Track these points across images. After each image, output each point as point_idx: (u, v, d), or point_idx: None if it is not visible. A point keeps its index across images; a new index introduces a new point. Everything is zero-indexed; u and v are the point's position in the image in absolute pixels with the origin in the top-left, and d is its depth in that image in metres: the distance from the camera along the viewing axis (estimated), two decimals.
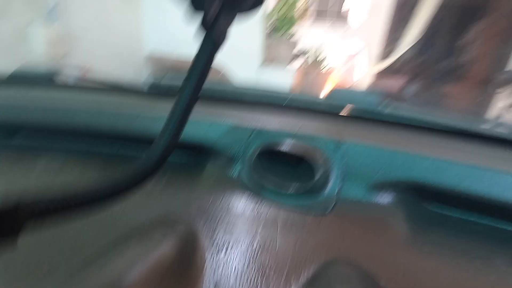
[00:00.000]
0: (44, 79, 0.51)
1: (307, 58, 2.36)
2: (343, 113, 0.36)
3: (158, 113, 0.34)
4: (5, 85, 0.44)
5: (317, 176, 0.27)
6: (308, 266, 0.21)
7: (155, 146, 0.17)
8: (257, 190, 0.28)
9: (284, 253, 0.22)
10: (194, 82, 0.18)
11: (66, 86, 0.48)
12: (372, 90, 0.46)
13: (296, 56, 2.52)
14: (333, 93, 0.43)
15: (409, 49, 2.61)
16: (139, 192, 0.19)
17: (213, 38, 0.18)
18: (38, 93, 0.41)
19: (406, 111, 0.39)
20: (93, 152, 0.36)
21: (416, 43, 2.68)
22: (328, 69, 2.41)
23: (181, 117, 0.18)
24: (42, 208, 0.11)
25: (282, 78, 2.29)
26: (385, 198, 0.28)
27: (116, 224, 0.24)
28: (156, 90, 0.45)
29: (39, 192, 0.11)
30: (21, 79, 0.49)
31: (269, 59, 2.37)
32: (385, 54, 3.14)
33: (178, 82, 0.19)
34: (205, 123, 0.32)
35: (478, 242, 0.24)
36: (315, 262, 0.21)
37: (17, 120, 0.36)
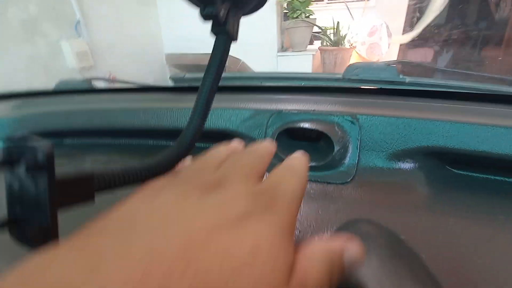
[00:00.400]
0: (82, 87, 0.57)
1: (328, 36, 2.29)
2: (359, 87, 0.36)
3: (185, 105, 0.38)
4: (52, 96, 0.50)
5: (336, 148, 0.29)
6: (330, 227, 0.23)
7: (186, 131, 0.20)
8: None
9: (308, 219, 0.24)
10: (214, 72, 0.21)
11: (102, 90, 0.53)
12: (387, 63, 0.45)
13: (316, 36, 2.45)
14: (348, 69, 0.44)
15: (438, 14, 2.41)
16: None
17: (226, 32, 0.20)
18: (80, 99, 0.47)
19: (422, 80, 0.38)
20: (133, 145, 0.40)
21: (446, 7, 2.47)
22: (350, 46, 2.31)
23: (205, 104, 0.20)
24: (110, 175, 0.14)
25: (303, 60, 2.25)
26: (406, 165, 0.28)
27: None
28: (181, 85, 0.48)
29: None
30: (64, 89, 0.55)
31: (288, 42, 2.33)
32: (410, 25, 2.93)
33: (200, 75, 0.22)
34: (227, 111, 0.35)
35: (502, 198, 0.25)
36: (337, 224, 0.23)
37: (66, 124, 0.41)
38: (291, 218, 0.14)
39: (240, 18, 0.22)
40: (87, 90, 0.51)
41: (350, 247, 0.13)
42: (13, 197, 0.12)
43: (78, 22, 1.92)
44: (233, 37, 0.21)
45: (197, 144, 0.42)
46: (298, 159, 0.19)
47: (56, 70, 1.83)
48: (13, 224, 0.12)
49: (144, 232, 0.10)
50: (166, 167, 0.18)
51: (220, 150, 0.20)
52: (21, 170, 0.12)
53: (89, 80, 0.56)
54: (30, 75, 1.68)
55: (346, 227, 0.21)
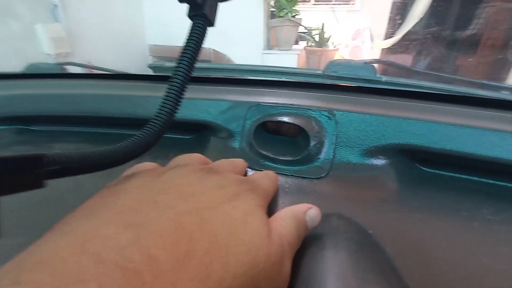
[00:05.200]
0: (55, 71, 0.54)
1: (312, 37, 2.31)
2: (337, 84, 0.37)
3: (163, 94, 0.37)
4: (21, 79, 0.47)
5: (312, 143, 0.29)
6: None
7: (157, 117, 0.19)
8: (256, 160, 0.30)
9: None
10: (189, 57, 0.20)
11: (74, 75, 0.50)
12: (366, 62, 0.46)
13: (301, 36, 2.47)
14: (328, 66, 0.44)
15: (419, 22, 2.50)
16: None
17: (204, 16, 0.20)
18: (50, 83, 0.44)
19: (397, 80, 0.39)
20: (106, 134, 0.39)
21: (426, 15, 2.56)
22: (334, 48, 2.35)
23: (179, 90, 0.19)
24: (62, 158, 0.13)
25: (288, 59, 2.26)
26: (378, 161, 0.29)
27: None
28: (160, 73, 0.47)
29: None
30: (34, 72, 0.52)
31: (273, 40, 2.34)
32: (393, 30, 3.02)
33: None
34: (205, 102, 0.34)
35: (466, 196, 0.26)
36: None
37: (35, 108, 0.39)
38: (266, 203, 0.19)
39: (218, 2, 0.21)
40: (59, 74, 0.48)
41: (310, 210, 0.19)
42: None
43: (55, 6, 1.82)
44: (211, 22, 0.21)
45: (174, 136, 0.40)
46: (272, 172, 0.25)
47: (30, 54, 1.73)
48: None
49: (168, 203, 0.13)
50: (130, 154, 0.17)
51: (194, 154, 0.24)
52: None
53: (61, 65, 0.53)
54: (0, 58, 1.58)
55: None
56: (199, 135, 0.37)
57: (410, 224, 0.22)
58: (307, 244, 0.19)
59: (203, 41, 0.20)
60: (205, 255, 0.11)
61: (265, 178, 0.22)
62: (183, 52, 0.20)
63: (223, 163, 0.23)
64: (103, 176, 0.30)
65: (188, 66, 0.19)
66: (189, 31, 0.20)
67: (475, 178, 0.28)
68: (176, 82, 0.19)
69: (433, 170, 0.29)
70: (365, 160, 0.29)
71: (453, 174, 0.28)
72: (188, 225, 0.12)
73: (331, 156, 0.29)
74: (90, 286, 0.08)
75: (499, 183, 0.27)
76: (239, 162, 0.26)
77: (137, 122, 0.38)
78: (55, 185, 0.28)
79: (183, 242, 0.11)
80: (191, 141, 0.37)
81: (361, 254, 0.18)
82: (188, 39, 0.20)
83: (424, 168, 0.29)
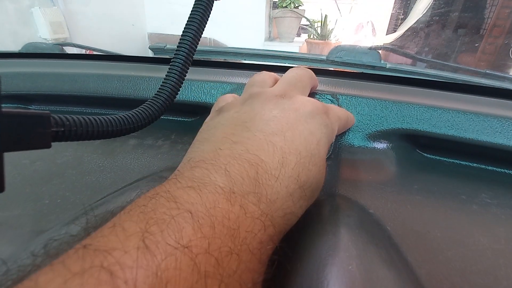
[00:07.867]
0: (53, 51, 0.53)
1: (315, 29, 2.29)
2: (341, 69, 0.37)
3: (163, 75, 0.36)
4: (19, 57, 0.47)
5: None
6: None
7: (164, 86, 0.19)
8: None
9: None
10: (194, 29, 0.20)
11: (74, 56, 0.50)
12: (371, 48, 0.46)
13: (303, 28, 2.45)
14: (332, 51, 0.44)
15: (421, 17, 2.48)
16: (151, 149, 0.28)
17: None
18: (50, 62, 0.43)
19: (401, 67, 0.39)
20: (105, 114, 0.38)
21: (428, 11, 2.54)
22: (336, 41, 2.33)
23: (184, 59, 0.19)
24: (68, 121, 0.13)
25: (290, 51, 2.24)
26: (380, 145, 0.29)
27: (130, 171, 0.27)
28: (161, 55, 0.46)
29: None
30: (33, 51, 0.51)
31: (275, 32, 2.31)
32: (395, 24, 2.99)
33: None
34: (208, 84, 0.34)
35: (466, 182, 0.26)
36: None
37: (32, 87, 0.38)
38: (337, 126, 0.23)
39: None
40: (57, 54, 0.47)
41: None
42: None
43: None
44: None
45: (177, 119, 0.40)
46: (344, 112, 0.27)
47: (27, 39, 1.70)
48: None
49: (256, 127, 0.17)
50: (133, 125, 0.17)
51: (265, 74, 0.25)
52: None
53: (59, 45, 0.53)
54: None
55: (318, 200, 0.21)
56: (201, 118, 0.37)
57: (409, 205, 0.22)
58: (308, 220, 0.19)
59: (209, 12, 0.20)
60: (295, 167, 0.16)
61: (341, 111, 0.25)
62: (188, 24, 0.19)
63: (291, 86, 0.22)
64: (104, 154, 0.30)
65: (193, 38, 0.19)
66: (194, 3, 0.20)
67: (475, 165, 0.28)
68: (183, 49, 0.19)
69: (434, 156, 0.29)
70: (367, 143, 0.29)
71: (454, 161, 0.29)
72: (276, 142, 0.16)
73: (333, 139, 0.29)
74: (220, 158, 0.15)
75: (498, 169, 0.27)
76: (305, 79, 0.25)
77: (137, 103, 0.38)
78: (56, 160, 0.28)
79: (278, 154, 0.16)
80: (193, 124, 0.37)
81: (362, 230, 0.18)
82: (193, 11, 0.19)
83: (425, 154, 0.30)
